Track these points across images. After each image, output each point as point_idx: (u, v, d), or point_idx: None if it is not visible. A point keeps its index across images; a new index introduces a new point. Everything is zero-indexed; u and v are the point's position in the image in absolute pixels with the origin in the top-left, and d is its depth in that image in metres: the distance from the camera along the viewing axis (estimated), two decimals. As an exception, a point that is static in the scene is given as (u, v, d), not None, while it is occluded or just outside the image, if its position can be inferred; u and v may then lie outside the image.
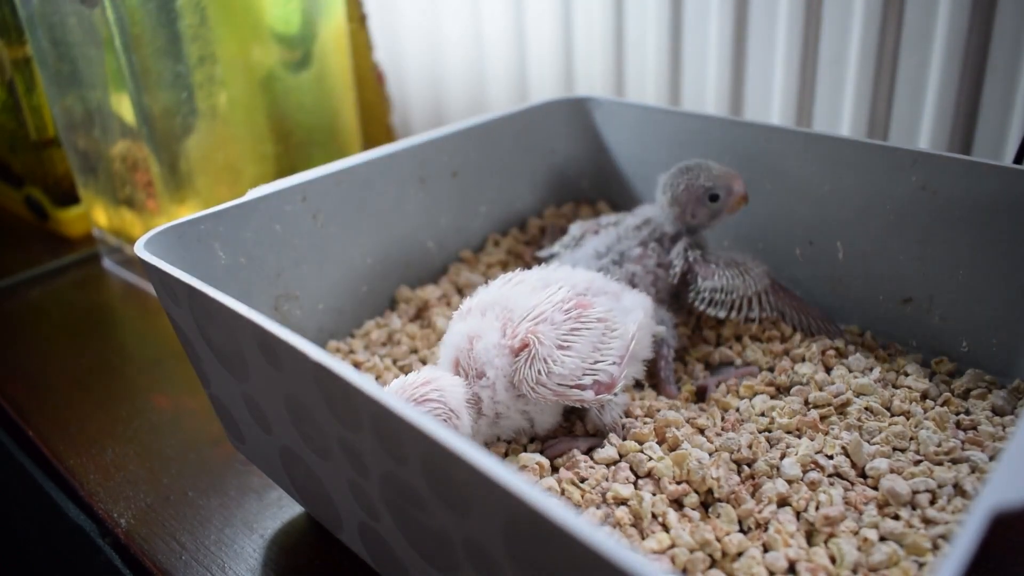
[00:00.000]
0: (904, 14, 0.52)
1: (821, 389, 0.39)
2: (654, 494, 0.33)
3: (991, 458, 0.34)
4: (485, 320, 0.36)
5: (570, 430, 0.38)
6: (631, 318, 0.38)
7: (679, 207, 0.44)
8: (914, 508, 0.32)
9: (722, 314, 0.43)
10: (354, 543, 0.32)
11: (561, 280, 0.38)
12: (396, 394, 0.32)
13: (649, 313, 0.40)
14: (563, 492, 0.33)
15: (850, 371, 0.41)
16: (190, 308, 0.31)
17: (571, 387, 0.34)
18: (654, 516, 0.32)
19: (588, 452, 0.35)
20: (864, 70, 0.55)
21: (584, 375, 0.34)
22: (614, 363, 0.35)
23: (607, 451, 0.35)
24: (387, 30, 0.82)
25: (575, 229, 0.48)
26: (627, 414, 0.38)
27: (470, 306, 0.37)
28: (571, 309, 0.35)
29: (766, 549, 0.30)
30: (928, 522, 0.31)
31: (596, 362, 0.35)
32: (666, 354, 0.42)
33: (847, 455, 0.34)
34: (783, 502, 0.32)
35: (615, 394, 0.36)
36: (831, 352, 0.42)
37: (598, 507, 0.32)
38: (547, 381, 0.34)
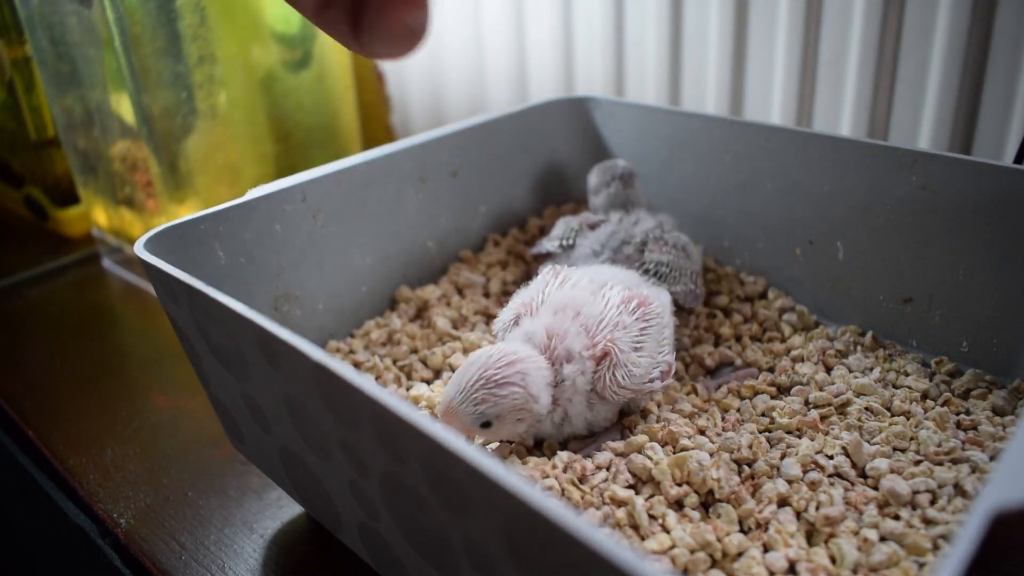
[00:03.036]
0: (904, 14, 0.52)
1: (821, 389, 0.39)
2: (653, 495, 0.33)
3: (991, 458, 0.34)
4: (562, 320, 0.36)
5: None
6: (664, 303, 0.40)
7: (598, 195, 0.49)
8: (914, 508, 0.32)
9: (659, 284, 0.44)
10: (354, 543, 0.32)
11: (608, 278, 0.39)
12: (476, 366, 0.33)
13: (668, 304, 0.41)
14: (563, 492, 0.33)
15: (850, 371, 0.41)
16: (190, 308, 0.31)
17: (646, 383, 0.36)
18: (653, 517, 0.32)
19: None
20: (864, 70, 0.55)
21: (654, 368, 0.36)
22: (670, 351, 0.38)
23: (605, 454, 0.35)
24: (387, 30, 0.81)
25: (560, 227, 0.48)
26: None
27: (529, 304, 0.37)
28: (635, 309, 0.37)
29: (766, 549, 0.30)
30: (928, 522, 0.31)
31: (659, 353, 0.37)
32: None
33: (847, 455, 0.34)
34: (783, 502, 0.32)
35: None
36: (831, 352, 0.42)
37: (598, 508, 0.32)
38: (629, 383, 0.35)
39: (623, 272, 0.41)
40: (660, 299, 0.40)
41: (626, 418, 0.38)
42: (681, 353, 0.44)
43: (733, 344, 0.44)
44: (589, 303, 0.36)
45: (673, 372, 0.38)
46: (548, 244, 0.48)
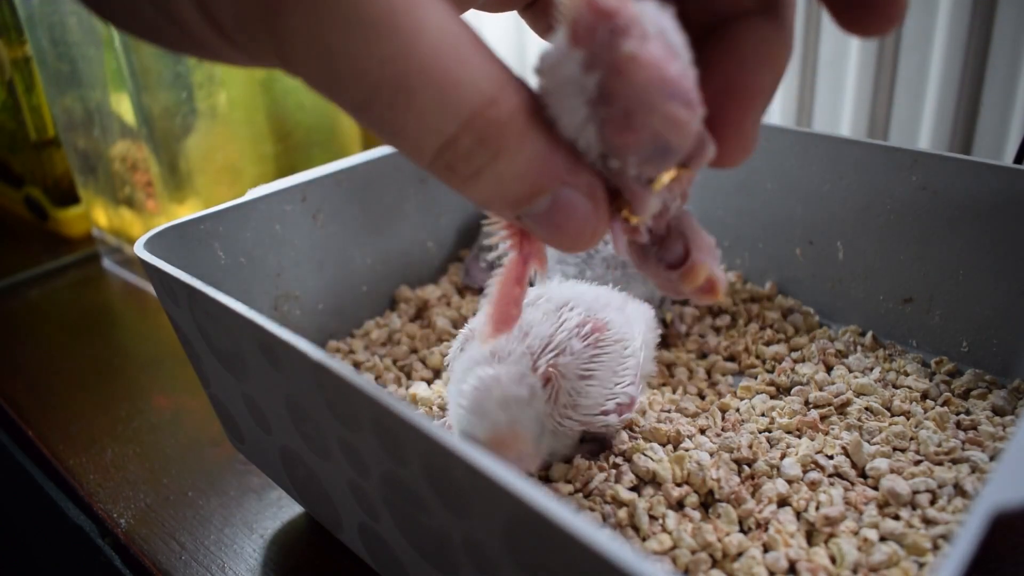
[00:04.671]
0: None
1: (821, 389, 0.39)
2: (653, 495, 0.33)
3: (991, 458, 0.34)
4: (507, 341, 0.33)
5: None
6: (636, 331, 0.36)
7: None
8: (914, 508, 0.32)
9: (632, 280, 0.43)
10: (354, 543, 0.32)
11: (570, 298, 0.36)
12: (500, 388, 0.31)
13: (651, 325, 0.38)
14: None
15: (850, 371, 0.41)
16: (190, 308, 0.31)
17: (596, 415, 0.33)
18: (654, 517, 0.32)
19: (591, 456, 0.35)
20: (864, 70, 0.55)
21: (607, 400, 0.34)
22: (631, 383, 0.35)
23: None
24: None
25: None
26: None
27: (471, 331, 0.35)
28: (588, 335, 0.34)
29: (766, 549, 0.30)
30: (928, 522, 0.31)
31: (616, 384, 0.34)
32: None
33: (847, 455, 0.34)
34: (783, 502, 0.32)
35: (633, 413, 0.35)
36: (831, 352, 0.42)
37: (599, 508, 0.32)
38: (573, 414, 0.33)
39: (594, 291, 0.38)
40: (632, 327, 0.37)
41: (627, 418, 0.37)
42: (686, 356, 0.44)
43: (743, 344, 0.44)
44: (539, 323, 0.33)
45: (636, 406, 0.35)
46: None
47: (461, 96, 0.17)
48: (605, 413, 0.33)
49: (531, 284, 0.26)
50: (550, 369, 0.32)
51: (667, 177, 0.20)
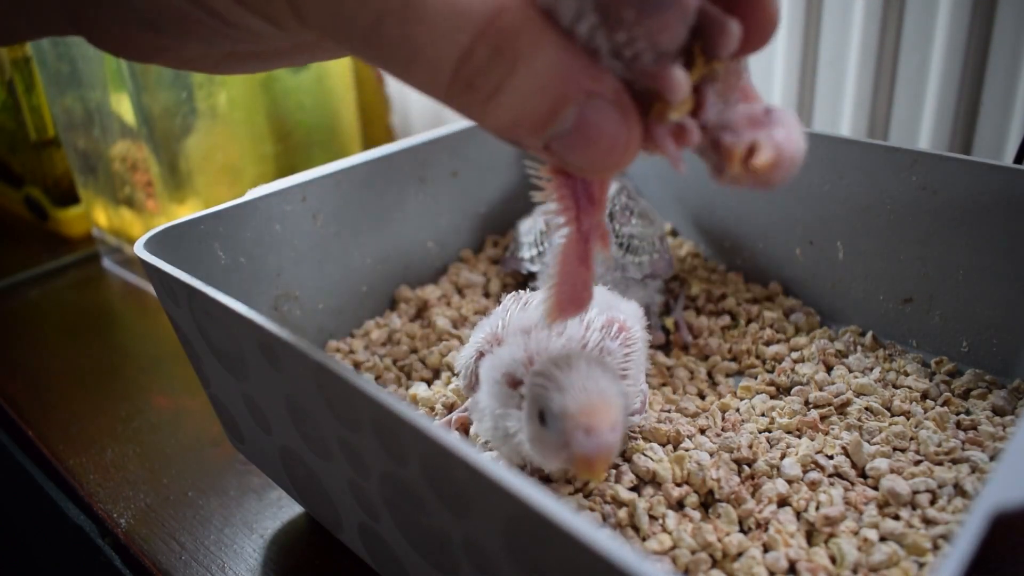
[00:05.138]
0: (904, 14, 0.52)
1: (821, 389, 0.39)
2: (653, 495, 0.33)
3: (991, 458, 0.34)
4: (540, 338, 0.31)
5: None
6: (637, 329, 0.36)
7: None
8: (914, 508, 0.32)
9: (632, 258, 0.43)
10: (354, 543, 0.32)
11: None
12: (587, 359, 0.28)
13: (643, 323, 0.38)
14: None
15: (850, 371, 0.41)
16: (190, 308, 0.31)
17: (630, 415, 0.33)
18: (654, 518, 0.32)
19: None
20: (864, 70, 0.55)
21: (635, 398, 0.33)
22: (644, 380, 0.34)
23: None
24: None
25: (526, 232, 0.48)
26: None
27: (493, 336, 0.33)
28: (617, 334, 0.33)
29: (766, 549, 0.30)
30: (928, 522, 0.31)
31: (639, 381, 0.33)
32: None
33: (847, 455, 0.34)
34: (783, 502, 0.32)
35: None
36: (831, 352, 0.42)
37: (598, 508, 0.32)
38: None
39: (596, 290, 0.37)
40: (634, 318, 0.36)
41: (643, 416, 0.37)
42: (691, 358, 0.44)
43: (745, 345, 0.44)
44: (567, 323, 0.31)
45: (648, 403, 0.35)
46: (526, 254, 0.47)
47: (471, 4, 0.17)
48: (634, 413, 0.33)
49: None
50: None
51: (697, 72, 0.19)
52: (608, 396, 0.26)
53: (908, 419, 0.36)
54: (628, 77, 0.19)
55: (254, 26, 0.20)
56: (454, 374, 0.40)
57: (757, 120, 0.21)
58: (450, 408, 0.39)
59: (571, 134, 0.19)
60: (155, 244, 0.35)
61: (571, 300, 0.24)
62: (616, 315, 0.34)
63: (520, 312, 0.33)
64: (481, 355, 0.33)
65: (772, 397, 0.40)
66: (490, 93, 0.18)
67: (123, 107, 0.56)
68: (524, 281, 0.50)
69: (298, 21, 0.19)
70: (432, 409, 0.40)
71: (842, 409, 0.37)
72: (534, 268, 0.46)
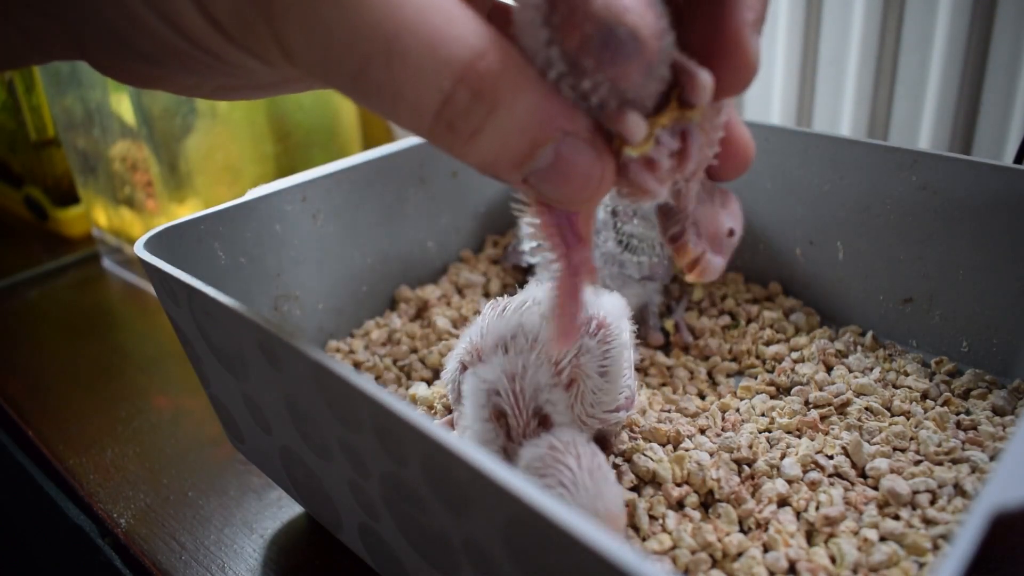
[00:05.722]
0: (904, 14, 0.52)
1: (821, 389, 0.39)
2: (653, 495, 0.33)
3: (991, 458, 0.34)
4: (516, 356, 0.32)
5: None
6: (622, 323, 0.36)
7: None
8: (914, 508, 0.32)
9: (631, 257, 0.43)
10: (354, 543, 0.32)
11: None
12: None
13: (626, 316, 0.37)
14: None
15: (850, 371, 0.41)
16: (190, 308, 0.31)
17: (613, 411, 0.33)
18: (654, 518, 0.32)
19: None
20: (864, 70, 0.55)
21: (619, 394, 0.33)
22: (630, 376, 0.34)
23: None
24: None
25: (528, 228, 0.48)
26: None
27: (478, 343, 0.33)
28: (596, 331, 0.33)
29: (766, 549, 0.30)
30: (928, 522, 0.31)
31: (622, 377, 0.33)
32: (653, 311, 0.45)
33: (847, 455, 0.34)
34: (783, 502, 0.32)
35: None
36: (831, 352, 0.42)
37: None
38: (596, 412, 0.32)
39: None
40: (616, 313, 0.35)
41: (631, 413, 0.37)
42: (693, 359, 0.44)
43: (747, 346, 0.44)
44: (543, 327, 0.32)
45: (636, 400, 0.35)
46: (526, 247, 0.47)
47: (451, 50, 0.18)
48: (618, 409, 0.33)
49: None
50: (574, 370, 0.32)
51: (670, 116, 0.21)
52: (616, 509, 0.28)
53: (908, 419, 0.36)
54: (597, 117, 0.20)
55: (247, 64, 0.21)
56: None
57: (718, 240, 0.26)
58: (450, 408, 0.39)
59: (548, 170, 0.20)
60: (155, 244, 0.35)
61: (564, 334, 0.26)
62: (596, 311, 0.34)
63: (497, 320, 0.33)
64: (464, 367, 0.33)
65: (772, 397, 0.40)
66: (470, 134, 0.19)
67: (123, 107, 0.56)
68: (525, 274, 0.50)
69: (287, 61, 0.20)
70: (432, 409, 0.40)
71: (842, 409, 0.37)
72: (534, 260, 0.46)
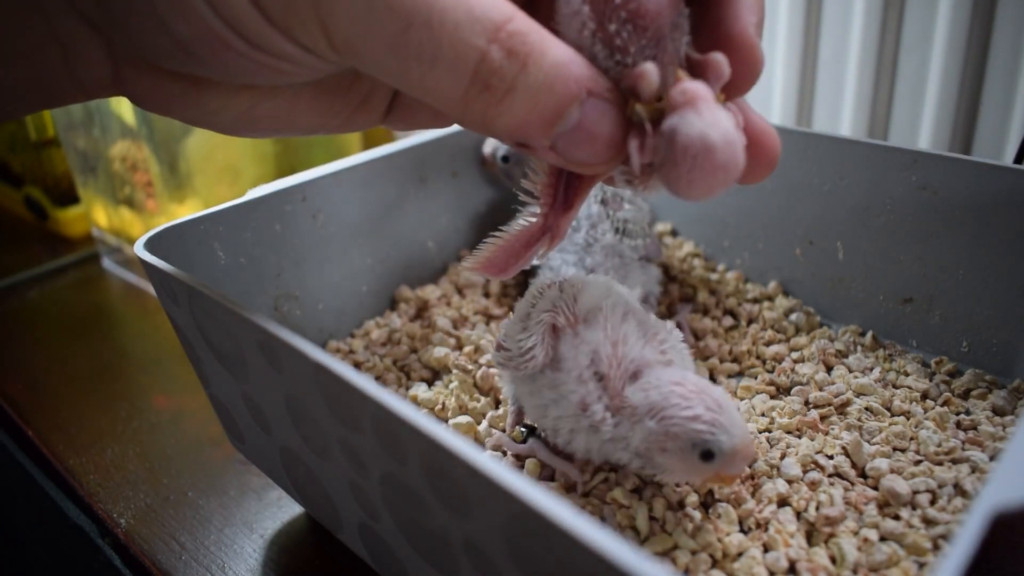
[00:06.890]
0: (904, 14, 0.52)
1: (821, 389, 0.39)
2: (653, 496, 0.33)
3: (991, 458, 0.34)
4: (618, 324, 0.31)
5: None
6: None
7: None
8: (914, 508, 0.32)
9: (628, 241, 0.43)
10: (354, 543, 0.32)
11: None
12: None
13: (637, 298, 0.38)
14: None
15: (850, 371, 0.41)
16: (190, 308, 0.31)
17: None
18: (653, 518, 0.32)
19: None
20: (864, 70, 0.55)
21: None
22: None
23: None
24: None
25: None
26: None
27: (558, 312, 0.32)
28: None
29: (766, 549, 0.30)
30: (928, 522, 0.31)
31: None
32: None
33: (847, 455, 0.34)
34: (783, 502, 0.32)
35: None
36: (831, 352, 0.42)
37: (598, 508, 0.32)
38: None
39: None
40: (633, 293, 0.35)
41: None
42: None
43: (747, 346, 0.44)
44: (627, 298, 0.32)
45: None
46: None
47: (486, 11, 0.20)
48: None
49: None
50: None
51: (681, 75, 0.21)
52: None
53: (908, 419, 0.36)
54: (617, 78, 0.21)
55: (283, 50, 0.21)
56: (459, 372, 0.40)
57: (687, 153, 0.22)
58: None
59: (575, 130, 0.21)
60: (155, 244, 0.35)
61: (496, 265, 0.27)
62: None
63: (593, 287, 0.33)
64: (555, 328, 0.32)
65: (772, 397, 0.40)
66: (505, 92, 0.20)
67: (123, 107, 0.56)
68: (525, 275, 0.50)
69: (326, 39, 0.20)
70: (434, 409, 0.39)
71: (842, 409, 0.37)
72: (537, 261, 0.46)
